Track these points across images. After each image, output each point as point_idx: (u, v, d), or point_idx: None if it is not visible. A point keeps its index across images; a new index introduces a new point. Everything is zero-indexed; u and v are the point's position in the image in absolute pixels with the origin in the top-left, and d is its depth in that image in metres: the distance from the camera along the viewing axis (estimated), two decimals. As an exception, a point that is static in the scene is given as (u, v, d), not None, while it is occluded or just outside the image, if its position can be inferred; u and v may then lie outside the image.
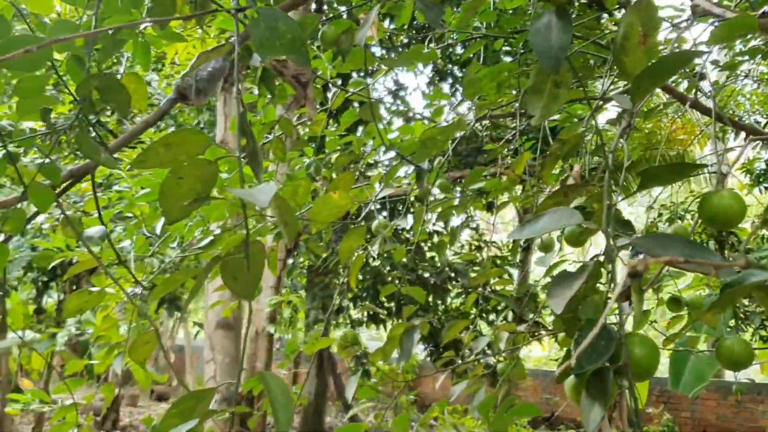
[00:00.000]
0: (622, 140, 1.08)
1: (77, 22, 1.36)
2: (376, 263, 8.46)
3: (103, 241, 1.27)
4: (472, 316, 2.29)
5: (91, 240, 1.25)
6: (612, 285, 0.92)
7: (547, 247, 2.00)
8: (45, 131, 1.23)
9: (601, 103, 1.59)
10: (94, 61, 1.42)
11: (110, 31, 1.32)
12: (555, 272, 1.93)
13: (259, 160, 0.96)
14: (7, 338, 10.72)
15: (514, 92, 2.29)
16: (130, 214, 2.49)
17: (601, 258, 0.94)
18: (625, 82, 2.43)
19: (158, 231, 1.98)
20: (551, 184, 1.80)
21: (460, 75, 9.13)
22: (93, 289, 1.53)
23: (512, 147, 2.76)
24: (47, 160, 1.21)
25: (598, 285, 1.00)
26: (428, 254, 8.01)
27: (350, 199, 1.38)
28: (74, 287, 10.98)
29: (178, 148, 0.88)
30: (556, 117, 2.38)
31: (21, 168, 1.33)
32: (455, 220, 2.70)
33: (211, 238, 1.72)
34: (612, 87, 2.07)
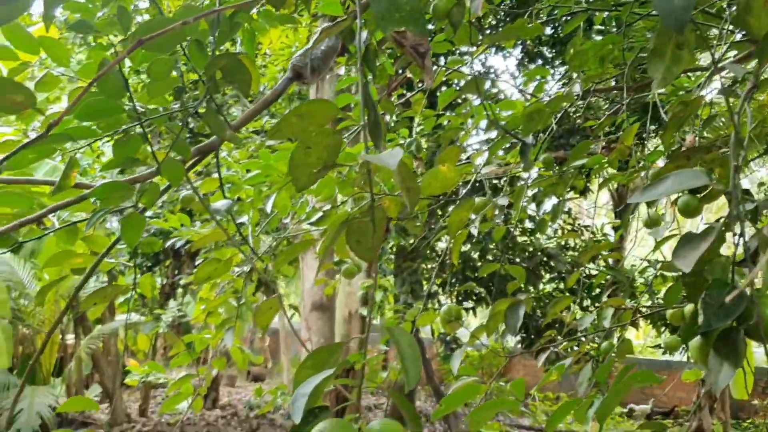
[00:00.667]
0: (745, 104, 1.06)
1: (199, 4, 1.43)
2: (465, 248, 8.44)
3: (228, 213, 1.35)
4: (575, 295, 2.27)
5: (218, 212, 1.34)
6: (740, 247, 0.90)
7: (654, 223, 1.95)
8: (175, 110, 1.31)
9: (713, 70, 1.54)
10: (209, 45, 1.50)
11: (228, 12, 1.38)
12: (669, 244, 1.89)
13: (380, 131, 1.00)
14: (115, 321, 11.39)
15: (617, 66, 2.24)
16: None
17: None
18: (736, 52, 2.33)
19: (268, 210, 2.06)
20: (666, 152, 1.75)
21: (551, 56, 8.94)
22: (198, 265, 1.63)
23: (614, 123, 2.70)
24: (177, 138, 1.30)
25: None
26: (520, 239, 7.92)
27: (459, 172, 1.40)
28: (176, 272, 11.53)
29: (309, 118, 0.93)
30: (662, 90, 2.31)
31: (144, 149, 1.43)
32: (548, 204, 2.67)
33: (320, 214, 1.79)
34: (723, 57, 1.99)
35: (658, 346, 8.06)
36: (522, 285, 2.18)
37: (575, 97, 1.71)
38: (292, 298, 13.30)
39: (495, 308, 1.90)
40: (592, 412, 1.19)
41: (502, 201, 2.06)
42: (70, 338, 11.23)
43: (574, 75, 1.83)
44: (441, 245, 10.51)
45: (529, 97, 2.36)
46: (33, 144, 1.09)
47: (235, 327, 2.84)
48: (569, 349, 2.33)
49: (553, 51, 8.69)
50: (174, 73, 1.37)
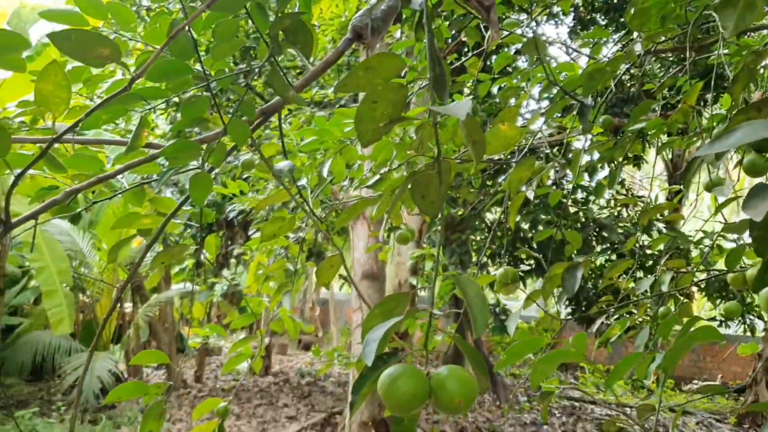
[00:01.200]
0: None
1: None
2: (515, 219, 8.36)
3: (291, 174, 1.38)
4: (633, 260, 2.24)
5: (281, 173, 1.37)
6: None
7: (716, 185, 1.91)
8: (242, 70, 1.34)
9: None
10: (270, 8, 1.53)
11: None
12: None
13: (446, 84, 1.01)
14: (171, 290, 11.71)
15: (678, 27, 2.18)
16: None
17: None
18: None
19: (325, 174, 2.09)
20: (735, 107, 1.70)
21: (604, 23, 8.70)
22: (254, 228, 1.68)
23: (672, 87, 2.63)
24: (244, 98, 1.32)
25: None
26: (572, 210, 7.81)
27: (519, 131, 1.40)
28: (230, 242, 11.77)
29: (376, 71, 0.94)
30: (726, 51, 2.24)
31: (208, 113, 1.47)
32: (601, 174, 2.63)
33: (377, 177, 1.81)
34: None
35: (714, 318, 7.90)
36: (575, 254, 2.17)
37: (637, 57, 1.68)
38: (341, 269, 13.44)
39: (552, 271, 1.90)
40: (654, 366, 1.19)
41: (559, 164, 2.04)
42: (128, 306, 11.63)
43: (635, 35, 1.78)
44: (490, 216, 10.46)
45: (585, 61, 2.32)
46: (108, 103, 1.13)
47: (292, 291, 2.90)
48: (624, 315, 2.30)
49: (606, 18, 8.45)
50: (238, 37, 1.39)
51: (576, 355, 1.12)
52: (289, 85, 1.35)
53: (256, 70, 1.33)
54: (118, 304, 10.79)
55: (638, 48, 1.60)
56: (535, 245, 7.06)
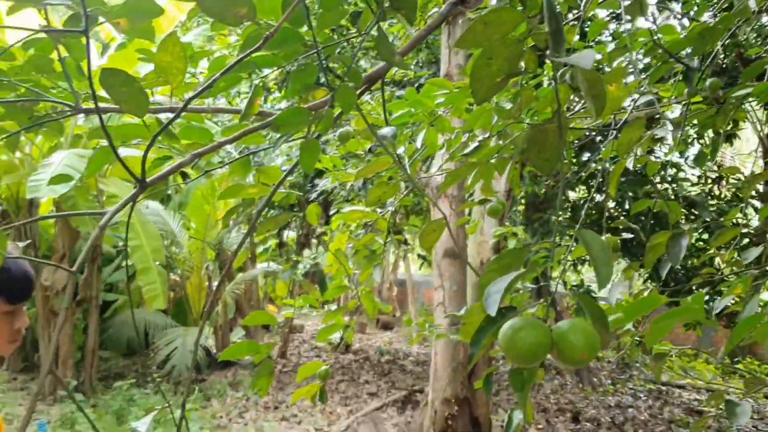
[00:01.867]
0: None
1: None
2: (600, 197, 8.16)
3: (394, 139, 1.40)
4: (738, 229, 2.15)
5: (385, 138, 1.39)
6: None
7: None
8: (351, 36, 1.36)
9: None
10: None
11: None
12: None
13: (562, 40, 1.00)
14: (256, 268, 12.04)
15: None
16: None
17: None
18: None
19: (418, 145, 2.11)
20: None
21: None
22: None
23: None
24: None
25: None
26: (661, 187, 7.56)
27: (626, 91, 1.37)
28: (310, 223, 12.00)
29: (494, 26, 0.94)
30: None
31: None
32: (692, 150, 2.53)
33: (476, 144, 1.81)
34: None
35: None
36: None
37: (752, 13, 1.60)
38: (419, 249, 13.46)
39: (654, 240, 1.85)
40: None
41: (661, 132, 1.98)
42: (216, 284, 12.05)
43: None
44: (573, 195, 10.23)
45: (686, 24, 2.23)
46: (229, 72, 1.18)
47: (382, 264, 2.94)
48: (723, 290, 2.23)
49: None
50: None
51: (696, 312, 1.09)
52: (394, 50, 1.36)
53: (361, 36, 1.35)
54: (206, 283, 11.22)
55: (752, 4, 1.53)
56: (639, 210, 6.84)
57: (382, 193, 1.52)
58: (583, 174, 8.86)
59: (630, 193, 7.09)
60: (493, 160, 2.05)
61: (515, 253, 0.97)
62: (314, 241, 13.71)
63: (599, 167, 5.32)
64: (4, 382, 8.85)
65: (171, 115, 1.50)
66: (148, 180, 1.06)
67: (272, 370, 1.64)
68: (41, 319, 8.50)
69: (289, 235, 14.07)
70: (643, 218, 7.34)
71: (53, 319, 8.48)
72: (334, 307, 16.19)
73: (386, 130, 1.41)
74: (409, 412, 8.53)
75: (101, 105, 1.61)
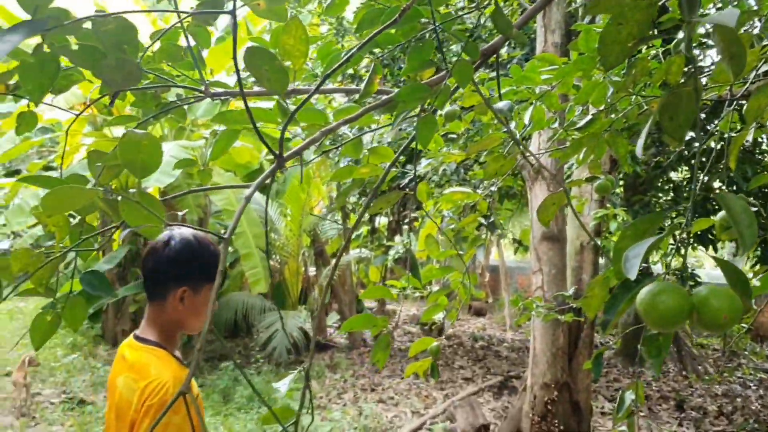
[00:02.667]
0: None
1: None
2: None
3: (510, 113, 1.41)
4: None
5: (502, 111, 1.40)
6: None
7: None
8: (465, 13, 1.38)
9: None
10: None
11: None
12: None
13: (697, 0, 0.98)
14: (350, 254, 12.23)
15: None
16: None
17: None
18: None
19: (526, 121, 2.09)
20: None
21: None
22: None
23: None
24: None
25: None
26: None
27: (755, 54, 1.31)
28: (402, 209, 12.09)
29: (627, -11, 0.94)
30: None
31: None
32: None
33: (589, 117, 1.78)
34: None
35: None
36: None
37: None
38: (511, 235, 13.31)
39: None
40: None
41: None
42: (312, 270, 12.35)
43: None
44: (675, 176, 9.81)
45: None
46: (361, 49, 1.22)
47: (486, 243, 2.94)
48: None
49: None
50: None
51: None
52: (510, 22, 1.37)
53: (478, 10, 1.36)
54: (303, 269, 11.53)
55: None
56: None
57: (500, 166, 1.53)
58: (687, 152, 8.47)
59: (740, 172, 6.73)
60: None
61: (651, 218, 0.96)
62: (405, 227, 13.80)
63: (705, 145, 5.09)
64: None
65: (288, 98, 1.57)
66: (285, 155, 1.11)
67: (389, 343, 1.68)
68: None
69: (381, 221, 14.23)
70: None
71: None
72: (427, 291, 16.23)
73: (502, 104, 1.42)
74: (505, 398, 8.48)
75: (218, 90, 1.70)
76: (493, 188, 3.10)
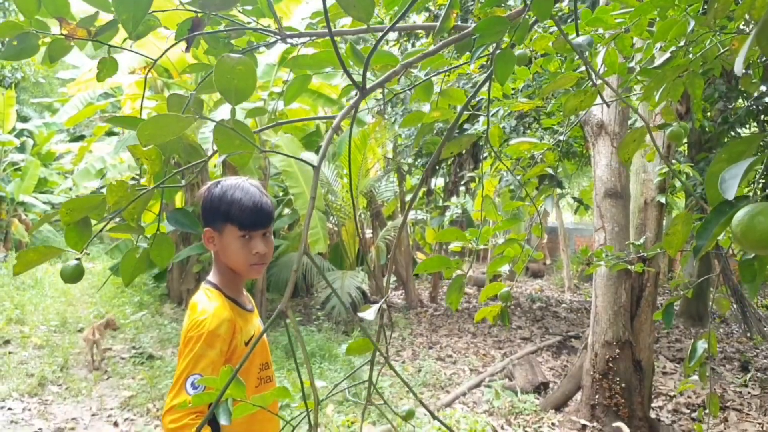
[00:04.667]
0: None
1: None
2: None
3: (590, 47, 1.37)
4: None
5: (580, 47, 1.37)
6: None
7: None
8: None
9: None
10: None
11: None
12: None
13: None
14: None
15: None
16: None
17: None
18: None
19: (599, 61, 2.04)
20: None
21: None
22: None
23: None
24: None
25: None
26: None
27: None
28: (458, 169, 12.00)
29: None
30: None
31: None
32: None
33: (667, 55, 1.73)
34: None
35: None
36: None
37: None
38: (573, 193, 13.10)
39: None
40: None
41: None
42: (369, 232, 12.45)
43: None
44: (742, 132, 9.42)
45: None
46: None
47: (553, 195, 2.90)
48: None
49: None
50: None
51: None
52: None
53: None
54: (360, 230, 11.61)
55: None
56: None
57: (579, 102, 1.50)
58: (756, 107, 8.12)
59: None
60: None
61: (748, 139, 0.93)
62: (462, 188, 13.72)
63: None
64: (186, 320, 9.76)
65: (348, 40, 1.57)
66: (367, 88, 1.12)
67: (463, 286, 1.69)
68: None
69: (437, 183, 14.17)
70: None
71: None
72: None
73: (581, 39, 1.38)
74: (564, 357, 8.45)
75: (293, 33, 1.70)
76: (561, 137, 3.05)
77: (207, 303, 1.89)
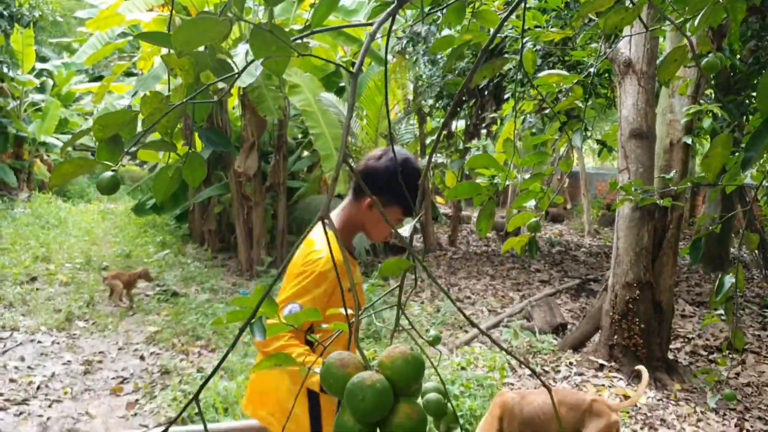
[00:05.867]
0: None
1: None
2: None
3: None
4: None
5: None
6: None
7: None
8: None
9: None
10: None
11: None
12: None
13: None
14: (425, 160, 12.18)
15: None
16: None
17: None
18: None
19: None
20: None
21: None
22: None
23: None
24: None
25: None
26: None
27: None
28: (479, 111, 11.86)
29: None
30: None
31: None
32: None
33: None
34: None
35: None
36: None
37: None
38: (597, 133, 12.89)
39: None
40: None
41: None
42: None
43: None
44: None
45: None
46: None
47: (581, 128, 2.85)
48: None
49: None
50: None
51: None
52: None
53: None
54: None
55: None
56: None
57: (620, 19, 1.44)
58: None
59: None
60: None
61: None
62: (483, 131, 13.58)
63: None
64: (208, 260, 9.90)
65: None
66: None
67: (493, 212, 1.68)
68: (235, 203, 9.31)
69: (458, 125, 14.04)
70: None
71: (246, 204, 9.25)
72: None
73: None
74: (583, 300, 8.49)
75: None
76: (592, 69, 2.97)
77: (324, 244, 1.96)
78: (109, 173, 1.11)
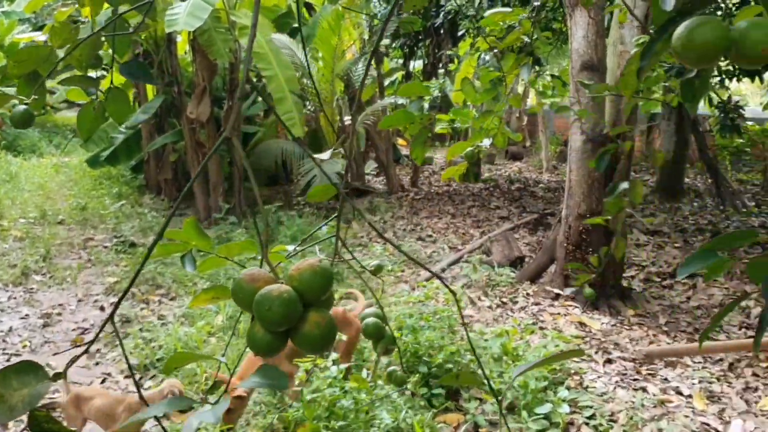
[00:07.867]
0: None
1: None
2: None
3: None
4: None
5: None
6: None
7: None
8: None
9: None
10: None
11: None
12: None
13: None
14: (384, 101, 12.06)
15: None
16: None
17: None
18: None
19: None
20: None
21: None
22: None
23: None
24: None
25: None
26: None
27: None
28: (437, 50, 11.76)
29: None
30: None
31: None
32: None
33: None
34: None
35: None
36: None
37: None
38: (555, 69, 12.91)
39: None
40: None
41: None
42: (347, 119, 12.32)
43: None
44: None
45: None
46: None
47: (530, 63, 2.87)
48: None
49: None
50: None
51: None
52: None
53: None
54: (338, 116, 11.51)
55: None
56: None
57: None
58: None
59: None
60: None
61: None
62: (441, 70, 13.50)
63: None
64: (165, 210, 9.81)
65: None
66: None
67: (427, 140, 1.71)
68: (189, 151, 9.18)
69: (416, 65, 13.92)
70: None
71: (200, 151, 9.13)
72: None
73: None
74: (540, 233, 8.67)
75: None
76: (536, 2, 2.98)
77: None
78: (21, 107, 1.10)
